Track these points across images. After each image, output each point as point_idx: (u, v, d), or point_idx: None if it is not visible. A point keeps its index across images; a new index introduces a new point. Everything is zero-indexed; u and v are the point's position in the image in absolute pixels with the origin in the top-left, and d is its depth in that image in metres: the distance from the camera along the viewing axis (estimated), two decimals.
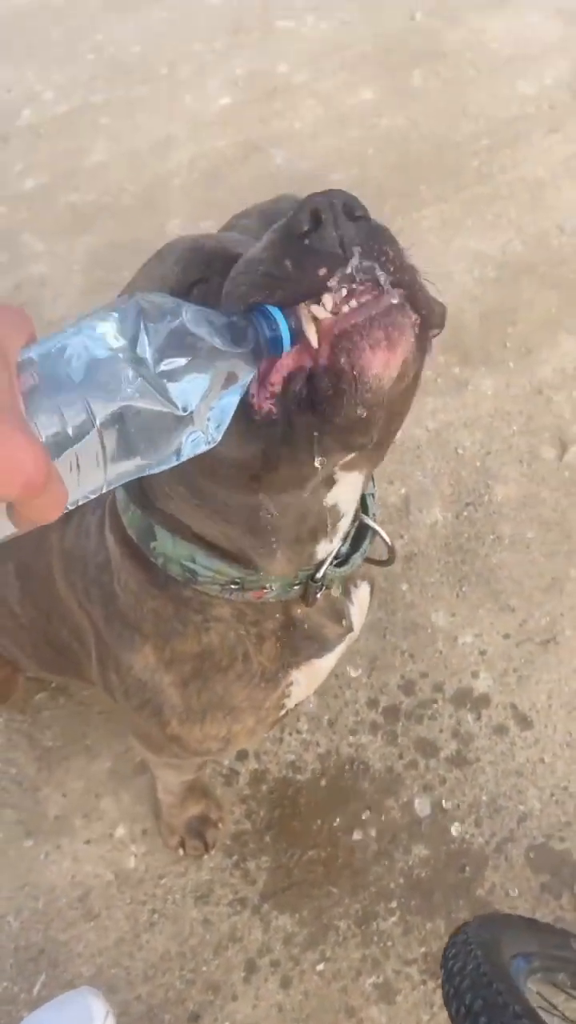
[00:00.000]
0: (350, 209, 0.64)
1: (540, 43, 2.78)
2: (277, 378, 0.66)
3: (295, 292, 0.64)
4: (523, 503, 1.94)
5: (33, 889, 1.62)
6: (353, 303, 0.64)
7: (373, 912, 1.55)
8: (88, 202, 2.58)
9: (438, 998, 1.46)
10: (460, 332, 2.20)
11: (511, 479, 1.98)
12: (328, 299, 0.63)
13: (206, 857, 1.61)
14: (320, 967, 1.51)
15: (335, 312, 0.64)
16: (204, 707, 1.05)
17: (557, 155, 2.51)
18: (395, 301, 0.65)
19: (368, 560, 1.05)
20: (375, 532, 1.00)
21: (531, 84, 2.69)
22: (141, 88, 2.85)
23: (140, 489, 0.93)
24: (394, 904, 1.55)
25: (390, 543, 1.02)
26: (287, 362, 0.66)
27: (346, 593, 1.07)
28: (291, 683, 1.07)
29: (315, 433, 0.68)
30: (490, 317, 2.23)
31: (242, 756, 1.69)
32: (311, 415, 0.66)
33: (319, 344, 0.64)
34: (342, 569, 0.96)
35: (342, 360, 0.63)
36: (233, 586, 0.92)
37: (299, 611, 1.01)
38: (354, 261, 0.64)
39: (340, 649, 1.10)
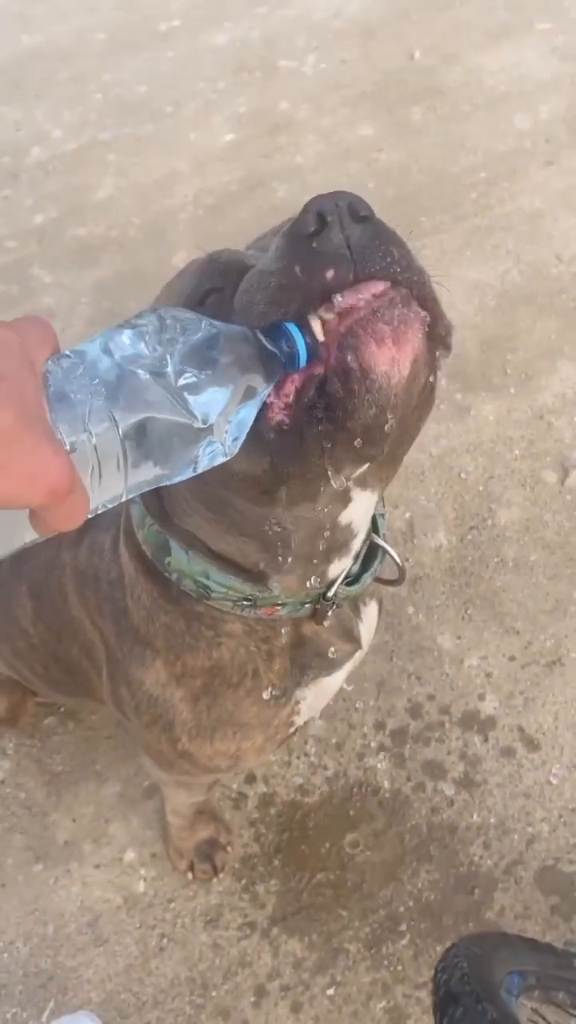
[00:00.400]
0: (355, 210, 0.65)
1: (535, 80, 2.82)
2: (290, 388, 0.67)
3: (306, 300, 0.64)
4: (526, 526, 1.95)
5: (42, 914, 1.61)
6: (360, 302, 0.64)
7: (383, 935, 1.53)
8: (96, 236, 2.61)
9: None
10: (461, 360, 2.22)
11: (514, 503, 1.98)
12: (336, 300, 0.64)
13: (215, 881, 1.59)
14: (330, 991, 1.49)
15: (341, 313, 0.64)
16: (214, 723, 1.06)
17: (553, 187, 2.54)
18: (400, 295, 0.66)
19: (378, 580, 1.06)
20: (385, 552, 1.01)
21: (527, 119, 2.73)
22: (147, 126, 2.90)
23: (159, 504, 0.94)
24: (404, 927, 1.54)
25: (400, 563, 1.02)
26: (300, 373, 0.66)
27: (355, 611, 1.07)
28: (300, 700, 1.07)
29: (326, 444, 0.68)
30: (491, 345, 2.25)
31: (250, 779, 1.69)
32: (323, 423, 0.67)
33: (327, 346, 0.65)
34: (353, 588, 0.97)
35: (348, 358, 0.64)
36: (245, 603, 0.93)
37: (309, 629, 1.01)
38: (361, 261, 0.64)
39: (348, 667, 1.10)
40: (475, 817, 1.63)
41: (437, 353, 0.73)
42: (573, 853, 1.59)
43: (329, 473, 0.72)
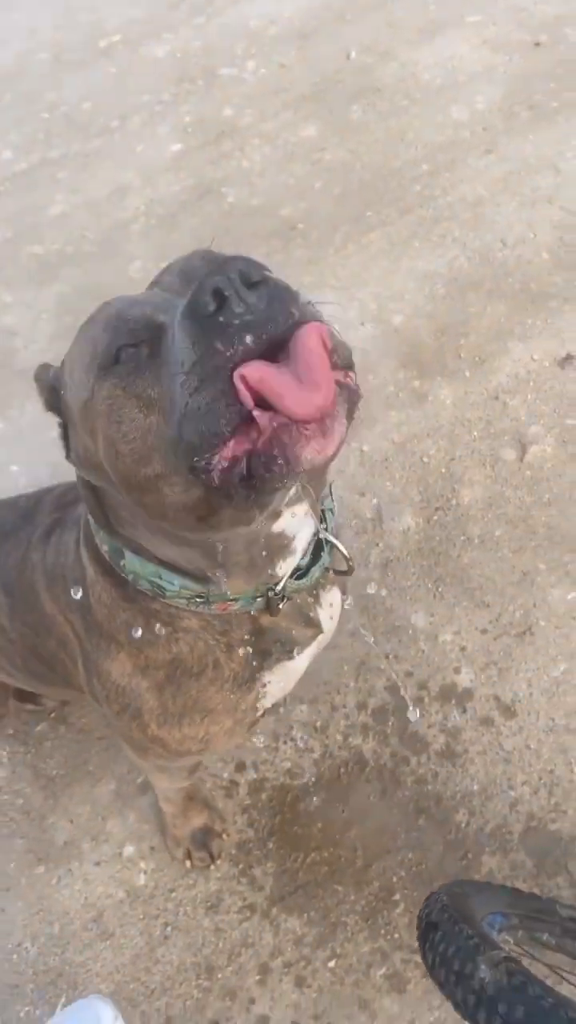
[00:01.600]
0: (247, 277, 0.69)
1: (468, 71, 2.86)
2: (226, 454, 0.71)
3: (229, 377, 0.68)
4: (489, 504, 1.99)
5: (47, 914, 1.63)
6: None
7: (378, 906, 1.56)
8: (52, 252, 2.63)
9: None
10: (417, 348, 2.26)
11: (476, 482, 2.02)
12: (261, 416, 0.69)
13: (213, 867, 1.62)
14: (331, 964, 1.52)
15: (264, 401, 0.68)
16: (180, 710, 1.10)
17: (493, 174, 2.58)
18: (331, 403, 0.69)
19: (333, 570, 1.09)
20: (333, 545, 1.04)
21: (463, 110, 2.76)
22: (95, 141, 2.91)
23: (104, 515, 0.98)
24: (397, 896, 1.57)
25: (347, 555, 1.07)
26: (232, 446, 0.71)
27: (314, 597, 1.10)
28: (265, 684, 1.11)
29: (252, 496, 0.73)
30: (444, 331, 2.28)
31: (240, 767, 1.72)
32: (249, 487, 0.72)
33: (257, 432, 0.69)
34: (301, 581, 1.01)
35: (276, 453, 0.69)
36: (199, 599, 0.97)
37: (266, 619, 1.05)
38: (267, 324, 0.69)
39: (311, 649, 1.13)
40: (459, 786, 1.66)
41: (355, 407, 0.77)
42: (554, 813, 1.62)
43: (255, 513, 0.78)
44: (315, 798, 1.67)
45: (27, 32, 3.34)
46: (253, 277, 0.69)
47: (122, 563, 0.99)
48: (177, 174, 2.77)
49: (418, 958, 1.49)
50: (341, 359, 0.75)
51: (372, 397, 2.18)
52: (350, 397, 0.75)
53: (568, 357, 2.18)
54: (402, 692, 1.76)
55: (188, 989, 1.53)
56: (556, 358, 2.18)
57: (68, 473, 1.22)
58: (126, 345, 0.80)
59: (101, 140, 2.91)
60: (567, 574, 1.86)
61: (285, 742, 1.73)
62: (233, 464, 0.71)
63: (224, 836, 1.63)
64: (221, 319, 0.68)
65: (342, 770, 1.69)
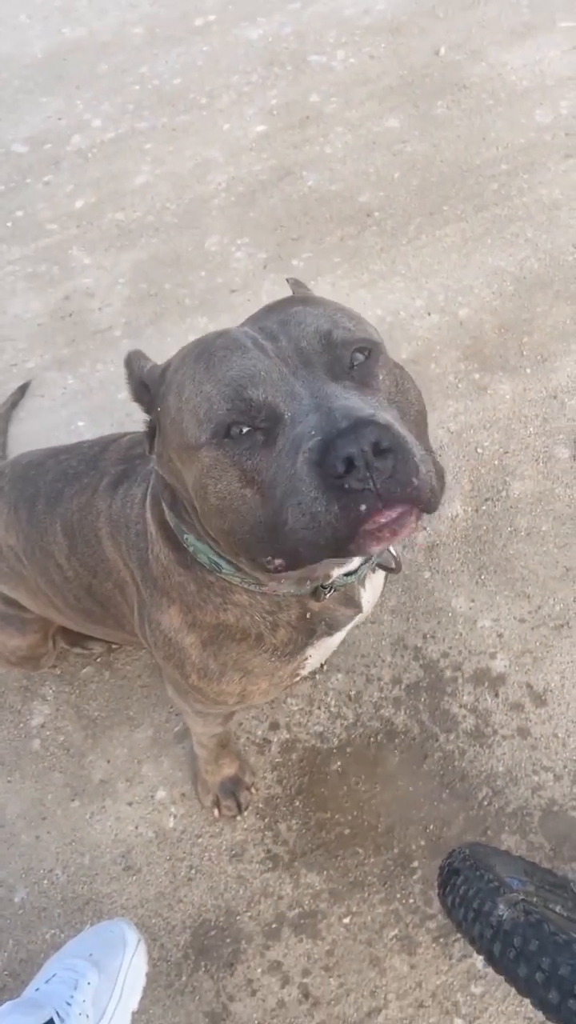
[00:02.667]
0: (378, 446, 0.75)
1: (556, 76, 2.86)
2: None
3: (347, 534, 0.78)
4: (538, 499, 2.01)
5: (79, 846, 1.69)
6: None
7: (396, 871, 1.60)
8: (133, 219, 2.68)
9: (456, 950, 1.52)
10: (480, 341, 2.28)
11: (527, 476, 2.04)
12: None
13: (239, 818, 1.67)
14: (346, 920, 1.57)
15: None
16: (221, 668, 1.16)
17: (572, 179, 2.59)
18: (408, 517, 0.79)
19: (380, 566, 1.14)
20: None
21: (547, 114, 2.77)
22: (183, 116, 2.96)
23: (172, 497, 1.05)
24: (415, 864, 1.61)
25: (397, 556, 1.14)
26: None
27: (360, 581, 1.15)
28: (307, 657, 1.18)
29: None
30: (508, 328, 2.30)
31: (274, 727, 1.76)
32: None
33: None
34: (350, 578, 1.07)
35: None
36: (251, 580, 1.03)
37: (313, 604, 1.10)
38: (385, 495, 0.76)
39: (349, 627, 1.20)
40: (485, 766, 1.69)
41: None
42: None
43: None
44: (343, 763, 1.71)
45: (127, 5, 3.39)
46: (383, 444, 0.75)
47: (185, 536, 1.06)
48: (259, 154, 2.81)
49: (430, 924, 1.54)
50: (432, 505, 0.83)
51: (432, 386, 2.21)
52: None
53: None
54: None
55: (207, 929, 1.58)
56: None
57: (132, 429, 1.27)
58: (237, 423, 0.86)
59: (189, 116, 2.96)
60: None
61: (319, 707, 1.78)
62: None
63: (253, 790, 1.68)
64: (346, 486, 0.75)
65: (372, 739, 1.73)
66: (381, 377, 0.90)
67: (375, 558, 1.10)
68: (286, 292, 1.14)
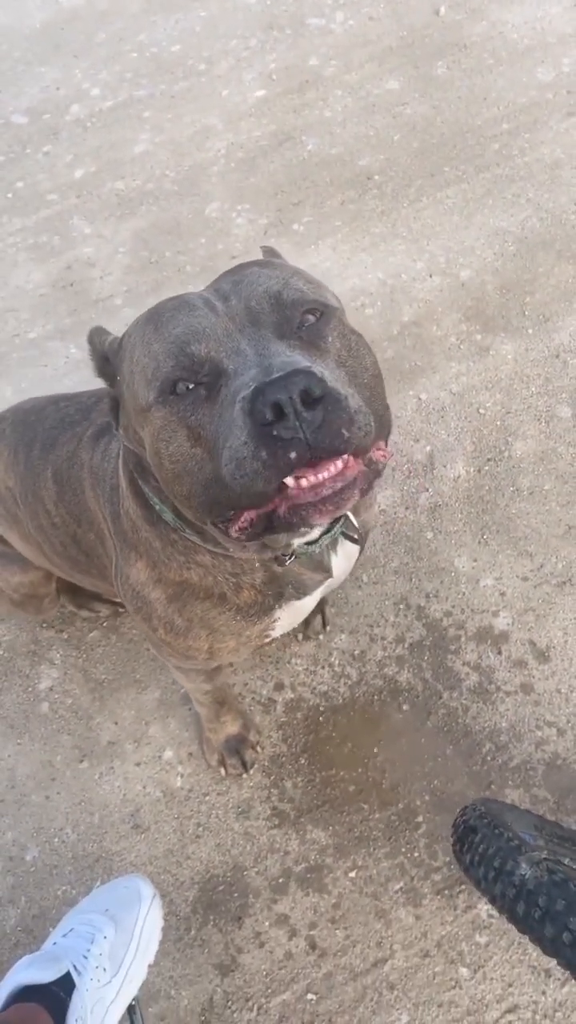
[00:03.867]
0: (308, 395, 0.74)
1: (557, 33, 2.80)
2: (248, 517, 0.84)
3: (274, 477, 0.77)
4: (541, 458, 1.99)
5: (88, 805, 1.70)
6: (313, 478, 0.78)
7: (400, 826, 1.61)
8: (133, 188, 2.66)
9: (461, 901, 1.53)
10: (482, 302, 2.25)
11: (529, 436, 2.03)
12: (294, 483, 0.78)
13: (245, 777, 1.68)
14: (352, 874, 1.58)
15: (298, 480, 0.78)
16: (187, 624, 1.17)
17: (574, 137, 2.54)
18: (344, 483, 0.79)
19: (343, 535, 1.13)
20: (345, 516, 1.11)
21: (549, 72, 2.72)
22: (181, 83, 2.92)
23: (139, 466, 1.06)
24: (420, 819, 1.61)
25: (358, 527, 1.14)
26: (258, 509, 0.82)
27: (331, 546, 1.15)
28: (276, 619, 1.18)
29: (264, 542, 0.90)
30: (510, 288, 2.27)
31: (279, 687, 1.77)
32: (268, 532, 0.84)
33: (280, 501, 0.80)
34: (312, 547, 1.06)
35: (294, 519, 0.80)
36: (213, 542, 1.03)
37: (276, 567, 1.10)
38: (315, 444, 0.76)
39: (320, 591, 1.20)
40: (488, 721, 1.70)
41: (374, 474, 0.86)
42: None
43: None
44: (348, 721, 1.72)
45: None
46: (314, 394, 0.75)
47: (151, 496, 1.07)
48: (259, 120, 2.77)
49: (435, 876, 1.54)
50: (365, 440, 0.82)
51: (434, 348, 2.19)
52: (368, 476, 0.84)
53: None
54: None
55: (215, 884, 1.60)
56: None
57: None
58: (182, 380, 0.87)
59: (187, 82, 2.92)
60: None
61: (323, 667, 1.78)
62: (257, 523, 0.83)
63: (258, 748, 1.69)
64: (275, 432, 0.75)
65: (376, 697, 1.74)
66: (331, 339, 0.90)
67: (337, 528, 1.09)
68: (288, 259, 1.13)
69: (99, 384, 1.09)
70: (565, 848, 1.29)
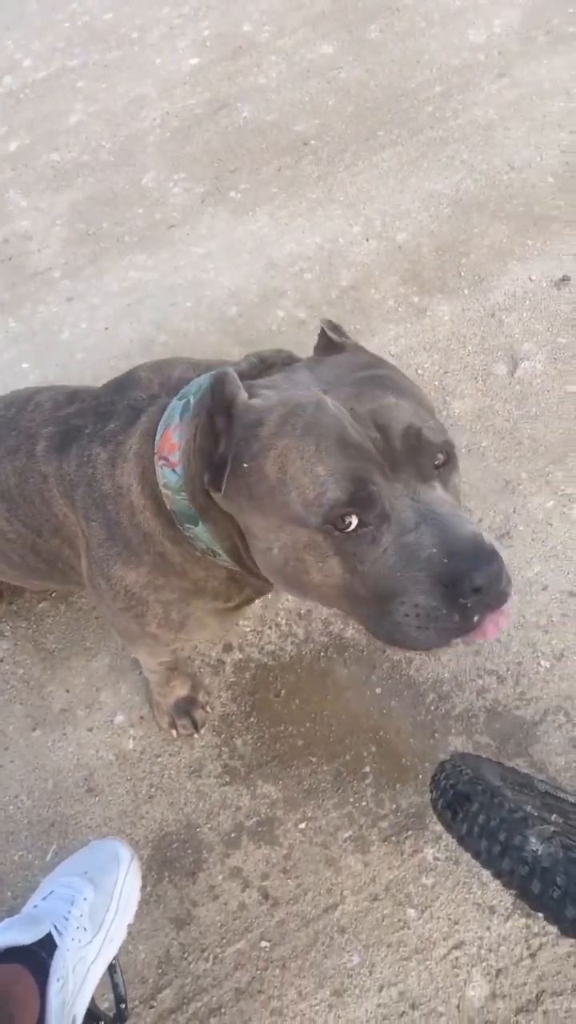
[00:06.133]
0: (502, 588, 0.88)
1: None
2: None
3: (456, 634, 0.90)
4: (478, 415, 2.01)
5: (42, 772, 1.71)
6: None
7: (348, 777, 1.64)
8: (68, 160, 2.61)
9: (407, 847, 1.56)
10: (418, 265, 2.26)
11: (467, 394, 2.04)
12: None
13: (196, 737, 1.69)
14: (302, 826, 1.60)
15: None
16: (182, 620, 1.21)
17: (506, 98, 2.55)
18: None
19: None
20: None
21: (480, 33, 2.71)
22: (115, 52, 2.87)
23: (207, 501, 1.06)
24: (367, 769, 1.64)
25: None
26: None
27: None
28: (253, 602, 1.25)
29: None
30: (445, 250, 2.28)
31: (227, 648, 1.78)
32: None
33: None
34: None
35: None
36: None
37: None
38: (492, 607, 0.89)
39: None
40: (431, 673, 1.72)
41: None
42: (520, 701, 1.68)
43: None
44: (295, 678, 1.74)
45: None
46: (502, 580, 0.88)
47: (187, 526, 1.09)
48: (194, 88, 2.74)
49: (382, 824, 1.57)
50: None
51: (372, 311, 2.19)
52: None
53: (564, 278, 2.18)
54: None
55: (170, 842, 1.61)
56: (553, 279, 2.18)
57: (71, 375, 1.25)
58: (349, 514, 0.91)
59: (120, 51, 2.87)
60: (547, 483, 1.89)
61: (271, 627, 1.79)
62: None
63: (207, 708, 1.70)
64: (468, 605, 0.87)
65: (322, 654, 1.76)
66: (454, 481, 0.99)
67: None
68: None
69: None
70: (525, 795, 1.30)
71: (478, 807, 1.14)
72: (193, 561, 1.13)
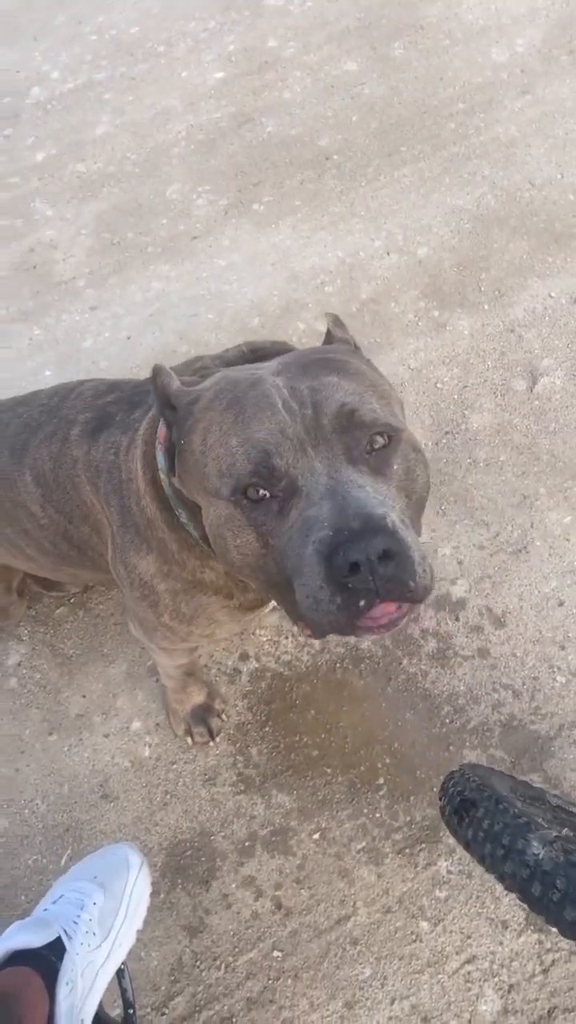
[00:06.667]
0: (386, 555, 0.81)
1: (511, 13, 2.81)
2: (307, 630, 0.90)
3: (346, 622, 0.84)
4: (497, 430, 2.02)
5: (58, 776, 1.71)
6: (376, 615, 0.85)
7: (362, 788, 1.64)
8: (94, 171, 2.64)
9: (421, 859, 1.56)
10: (438, 279, 2.27)
11: (486, 409, 2.05)
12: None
13: (212, 745, 1.70)
14: (316, 836, 1.60)
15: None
16: (192, 613, 1.20)
17: (528, 116, 2.56)
18: (400, 616, 0.86)
19: None
20: None
21: (503, 51, 2.72)
22: (141, 65, 2.90)
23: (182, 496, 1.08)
24: (381, 780, 1.64)
25: None
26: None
27: None
28: (272, 606, 1.24)
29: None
30: (466, 265, 2.29)
31: (244, 657, 1.78)
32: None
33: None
34: None
35: (350, 636, 0.88)
36: None
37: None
38: (383, 593, 0.82)
39: None
40: (447, 686, 1.72)
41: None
42: (535, 716, 1.68)
43: None
44: (311, 688, 1.74)
45: None
46: (389, 553, 0.81)
47: (179, 511, 1.09)
48: (219, 101, 2.76)
49: (396, 836, 1.57)
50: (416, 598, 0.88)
51: (392, 324, 2.20)
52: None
53: None
54: None
55: (183, 850, 1.62)
56: (572, 296, 2.18)
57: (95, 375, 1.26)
58: (255, 487, 0.90)
59: (147, 64, 2.90)
60: (565, 499, 1.89)
61: (287, 637, 1.80)
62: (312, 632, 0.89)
63: (223, 716, 1.71)
64: (350, 585, 0.81)
65: (338, 665, 1.76)
66: (395, 466, 0.93)
67: None
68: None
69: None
70: (536, 808, 1.31)
71: (483, 812, 1.16)
72: (188, 549, 1.12)
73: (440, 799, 1.30)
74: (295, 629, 1.80)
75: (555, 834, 1.09)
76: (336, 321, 1.15)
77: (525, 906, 1.08)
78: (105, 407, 1.31)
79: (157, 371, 1.05)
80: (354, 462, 0.90)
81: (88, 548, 1.38)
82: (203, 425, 0.97)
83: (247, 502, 0.91)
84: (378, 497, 0.86)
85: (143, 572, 1.20)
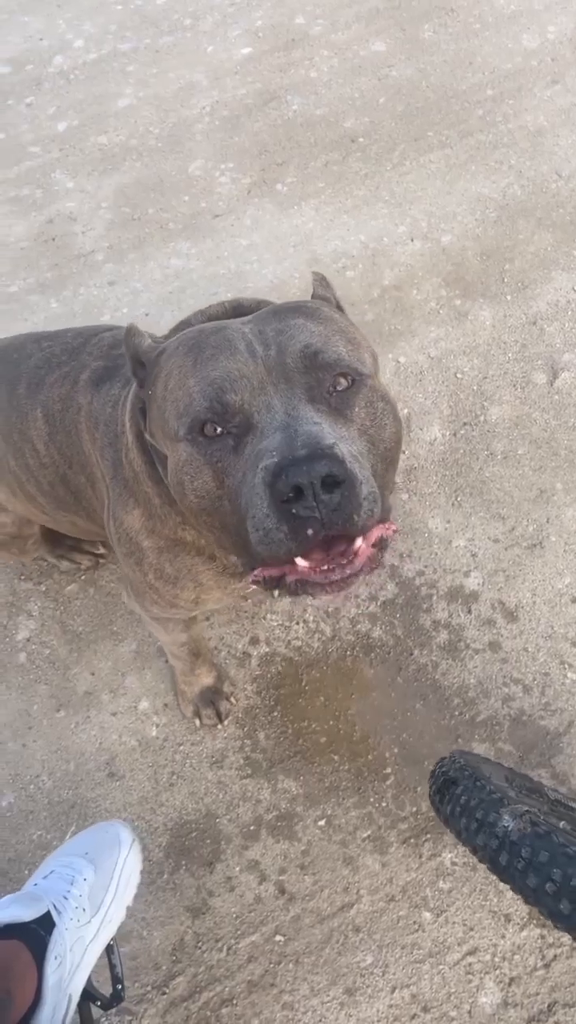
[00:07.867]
0: (329, 480, 0.78)
1: (544, 0, 2.76)
2: (258, 576, 0.88)
3: (291, 551, 0.81)
4: (515, 423, 2.00)
5: (64, 753, 1.71)
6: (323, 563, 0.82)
7: (369, 776, 1.63)
8: (116, 143, 2.60)
9: (426, 850, 1.55)
10: (462, 268, 2.24)
11: (505, 401, 2.03)
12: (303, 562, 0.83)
13: (220, 727, 1.69)
14: (321, 823, 1.60)
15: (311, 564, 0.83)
16: (176, 574, 1.19)
17: (557, 105, 2.52)
18: (352, 571, 0.82)
19: None
20: None
21: (534, 38, 2.68)
22: (166, 38, 2.85)
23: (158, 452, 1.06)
24: (388, 770, 1.63)
25: None
26: (273, 569, 0.86)
27: None
28: None
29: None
30: (490, 255, 2.26)
31: (254, 641, 1.77)
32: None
33: (293, 577, 0.84)
34: None
35: (300, 591, 0.84)
36: None
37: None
38: (329, 523, 0.79)
39: None
40: (457, 678, 1.71)
41: (381, 552, 0.88)
42: (545, 711, 1.67)
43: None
44: (320, 675, 1.73)
45: None
46: (335, 478, 0.78)
47: (159, 466, 1.08)
48: (244, 78, 2.71)
49: (402, 825, 1.57)
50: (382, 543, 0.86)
51: (413, 312, 2.18)
52: (376, 558, 0.86)
53: None
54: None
55: (188, 831, 1.61)
56: None
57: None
58: (212, 423, 0.89)
59: (172, 37, 2.85)
60: None
61: (298, 622, 1.78)
62: (269, 580, 0.86)
63: (232, 699, 1.70)
64: (294, 511, 0.79)
65: (348, 652, 1.75)
66: (358, 408, 0.92)
67: None
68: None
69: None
70: (533, 799, 1.31)
71: (462, 789, 1.22)
72: (170, 505, 1.11)
73: (429, 785, 1.32)
74: (307, 616, 1.79)
75: (525, 808, 1.13)
76: (322, 281, 1.14)
77: (495, 876, 1.11)
78: (117, 358, 1.32)
79: (129, 331, 1.06)
80: (313, 400, 0.89)
81: (83, 497, 1.38)
82: (165, 372, 0.98)
83: (203, 439, 0.90)
84: (332, 431, 0.85)
85: (129, 527, 1.19)
